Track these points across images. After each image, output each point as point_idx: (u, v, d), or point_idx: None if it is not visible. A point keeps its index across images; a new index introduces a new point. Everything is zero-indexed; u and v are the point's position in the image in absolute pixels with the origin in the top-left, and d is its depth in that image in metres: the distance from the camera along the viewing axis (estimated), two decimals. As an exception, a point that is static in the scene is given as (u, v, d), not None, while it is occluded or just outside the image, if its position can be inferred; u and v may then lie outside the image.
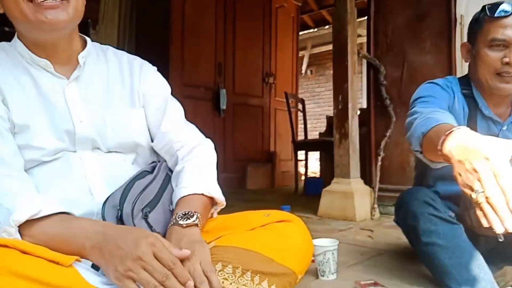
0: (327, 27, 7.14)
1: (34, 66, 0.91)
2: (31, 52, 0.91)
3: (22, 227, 0.74)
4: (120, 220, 0.86)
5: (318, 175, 4.96)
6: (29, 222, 0.75)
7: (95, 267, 0.76)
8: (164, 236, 0.87)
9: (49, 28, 0.86)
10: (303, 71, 8.99)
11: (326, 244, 1.38)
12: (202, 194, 0.95)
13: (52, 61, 0.91)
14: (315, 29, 7.60)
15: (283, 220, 0.94)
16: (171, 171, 1.05)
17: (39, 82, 0.91)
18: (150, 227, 0.89)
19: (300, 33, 6.28)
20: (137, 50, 4.37)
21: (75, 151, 0.92)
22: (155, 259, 0.70)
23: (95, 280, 0.72)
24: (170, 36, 4.02)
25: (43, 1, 0.83)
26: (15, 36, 0.93)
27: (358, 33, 4.21)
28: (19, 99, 0.88)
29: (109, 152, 0.96)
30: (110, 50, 1.06)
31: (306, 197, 3.66)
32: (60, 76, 0.93)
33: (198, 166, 1.01)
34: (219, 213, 1.04)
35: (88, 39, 1.02)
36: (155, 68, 1.10)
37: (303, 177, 4.46)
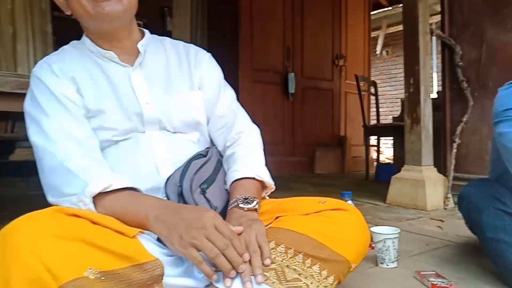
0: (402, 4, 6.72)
1: (101, 58, 1.01)
2: (98, 46, 1.01)
3: (96, 198, 0.84)
4: (181, 196, 0.93)
5: (393, 161, 4.78)
6: (102, 194, 0.84)
7: (159, 241, 0.84)
8: (221, 212, 0.94)
9: (108, 19, 0.95)
10: (377, 52, 8.60)
11: (386, 231, 1.36)
12: (254, 178, 0.99)
13: (116, 52, 1.01)
14: (390, 8, 7.20)
15: (338, 208, 0.94)
16: (222, 157, 1.11)
17: (107, 71, 1.00)
18: (208, 201, 0.96)
19: (374, 12, 6.02)
20: (208, 37, 4.52)
21: (144, 132, 1.00)
22: (216, 230, 0.77)
23: (156, 251, 0.80)
24: (239, 22, 4.09)
25: None
26: (84, 34, 1.04)
27: (435, 10, 3.94)
28: (91, 88, 0.98)
29: (175, 132, 1.03)
30: (167, 40, 1.14)
31: (376, 184, 3.56)
32: (125, 65, 1.01)
33: (248, 150, 1.07)
34: (278, 196, 1.07)
35: (146, 31, 1.10)
36: (210, 54, 1.16)
37: (375, 163, 4.34)
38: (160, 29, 4.58)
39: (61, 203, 0.85)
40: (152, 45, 1.08)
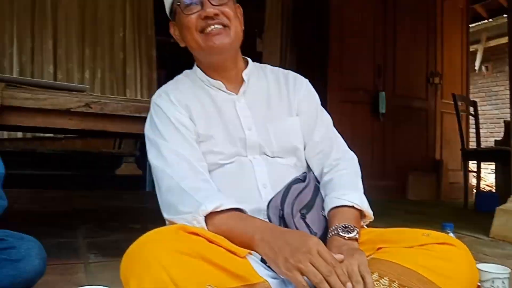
0: (505, 15, 6.18)
1: (210, 87, 1.12)
2: (207, 76, 1.12)
3: (207, 217, 0.90)
4: (282, 219, 0.97)
5: (494, 189, 4.37)
6: (213, 214, 0.90)
7: (263, 261, 0.88)
8: (320, 238, 0.95)
9: (217, 52, 1.05)
10: (476, 68, 7.99)
11: (495, 270, 1.25)
12: (353, 207, 0.99)
13: (223, 81, 1.11)
14: (490, 20, 6.67)
15: (444, 242, 0.91)
16: (319, 182, 1.12)
17: (215, 99, 1.10)
18: (308, 226, 0.98)
19: (472, 25, 5.63)
20: (298, 57, 4.60)
21: (246, 156, 1.07)
22: (320, 257, 0.79)
23: (263, 273, 0.84)
24: (328, 42, 4.12)
25: (210, 31, 1.03)
26: (195, 64, 1.16)
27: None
28: (202, 115, 1.08)
29: (274, 156, 1.09)
30: (268, 68, 1.22)
31: (477, 214, 3.28)
32: (231, 93, 1.11)
33: (347, 178, 1.07)
34: (374, 225, 1.05)
35: (249, 59, 1.19)
36: (307, 80, 1.22)
37: (474, 191, 4.01)
38: (250, 50, 4.77)
39: (176, 220, 0.93)
40: (254, 73, 1.16)
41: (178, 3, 1.07)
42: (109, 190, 3.84)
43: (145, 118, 1.47)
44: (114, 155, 4.05)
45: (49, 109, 1.43)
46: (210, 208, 0.90)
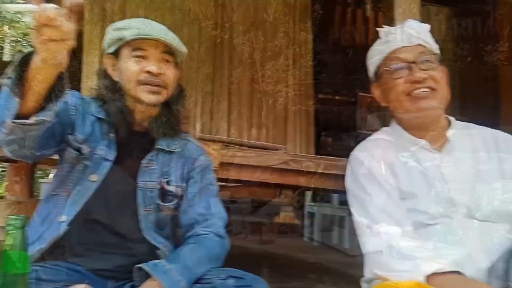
0: None
1: (412, 145, 1.15)
2: (409, 134, 1.16)
3: (427, 277, 0.92)
4: None
5: None
6: (433, 275, 0.92)
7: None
8: None
9: (423, 114, 1.10)
10: None
11: None
12: None
13: (426, 139, 1.13)
14: None
15: None
16: None
17: (418, 157, 1.13)
18: None
19: None
20: (461, 107, 4.31)
21: (451, 218, 1.06)
22: None
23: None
24: (500, 91, 3.78)
25: (417, 94, 1.08)
26: (393, 121, 1.21)
27: None
28: (404, 172, 1.12)
29: (484, 221, 1.05)
30: (471, 126, 1.20)
31: None
32: (434, 151, 1.13)
33: None
34: None
35: (452, 118, 1.19)
36: None
37: None
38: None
39: (390, 277, 0.98)
40: (458, 132, 1.16)
41: (387, 68, 1.16)
42: (269, 238, 4.06)
43: (333, 175, 1.60)
44: (275, 204, 4.32)
45: (255, 165, 1.67)
46: (431, 269, 0.92)
